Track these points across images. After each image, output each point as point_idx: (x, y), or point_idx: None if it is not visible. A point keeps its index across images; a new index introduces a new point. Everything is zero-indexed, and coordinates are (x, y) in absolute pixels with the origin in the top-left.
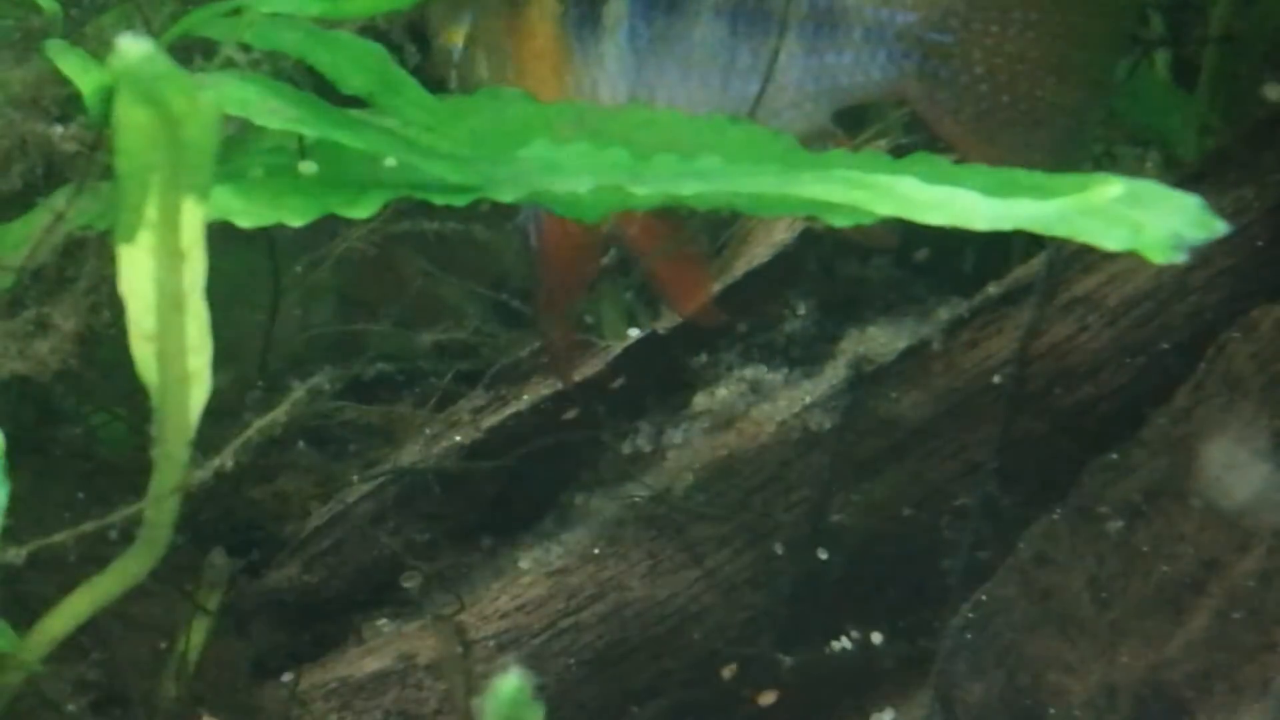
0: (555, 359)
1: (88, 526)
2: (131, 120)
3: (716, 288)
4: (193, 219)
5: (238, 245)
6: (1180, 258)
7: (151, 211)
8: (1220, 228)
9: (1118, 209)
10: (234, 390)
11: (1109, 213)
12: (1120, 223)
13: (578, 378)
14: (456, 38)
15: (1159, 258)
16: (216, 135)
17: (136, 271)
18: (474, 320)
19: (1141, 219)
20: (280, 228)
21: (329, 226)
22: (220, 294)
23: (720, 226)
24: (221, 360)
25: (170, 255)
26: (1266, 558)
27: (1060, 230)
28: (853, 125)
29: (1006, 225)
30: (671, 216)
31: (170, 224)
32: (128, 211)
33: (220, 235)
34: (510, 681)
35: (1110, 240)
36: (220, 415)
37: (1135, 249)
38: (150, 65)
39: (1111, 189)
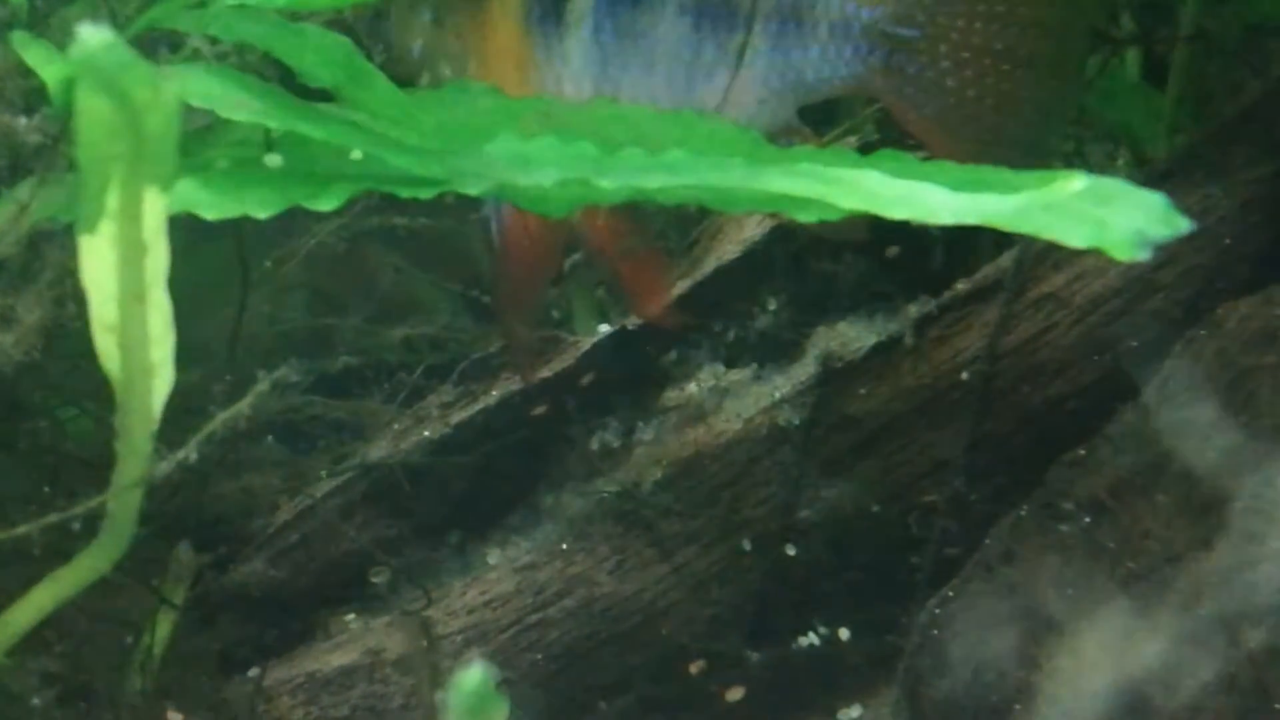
0: (516, 355)
1: (51, 518)
2: (92, 110)
3: (686, 284)
4: (155, 210)
5: (208, 240)
6: (1144, 255)
7: (113, 202)
8: (1184, 225)
9: (1082, 205)
10: (203, 386)
11: (1073, 209)
12: (1084, 219)
13: (547, 373)
14: (417, 34)
15: (1123, 255)
16: (178, 126)
17: (98, 262)
18: (444, 316)
19: (1105, 216)
20: (252, 224)
21: (301, 222)
22: (190, 290)
23: (691, 223)
24: (191, 356)
25: (132, 246)
26: (1231, 553)
27: (1024, 226)
28: (823, 122)
29: (970, 220)
30: (633, 216)
31: (132, 215)
32: (89, 202)
33: (190, 230)
34: (474, 675)
35: (1074, 237)
36: (189, 412)
37: (1099, 246)
38: (111, 55)
39: (1074, 184)
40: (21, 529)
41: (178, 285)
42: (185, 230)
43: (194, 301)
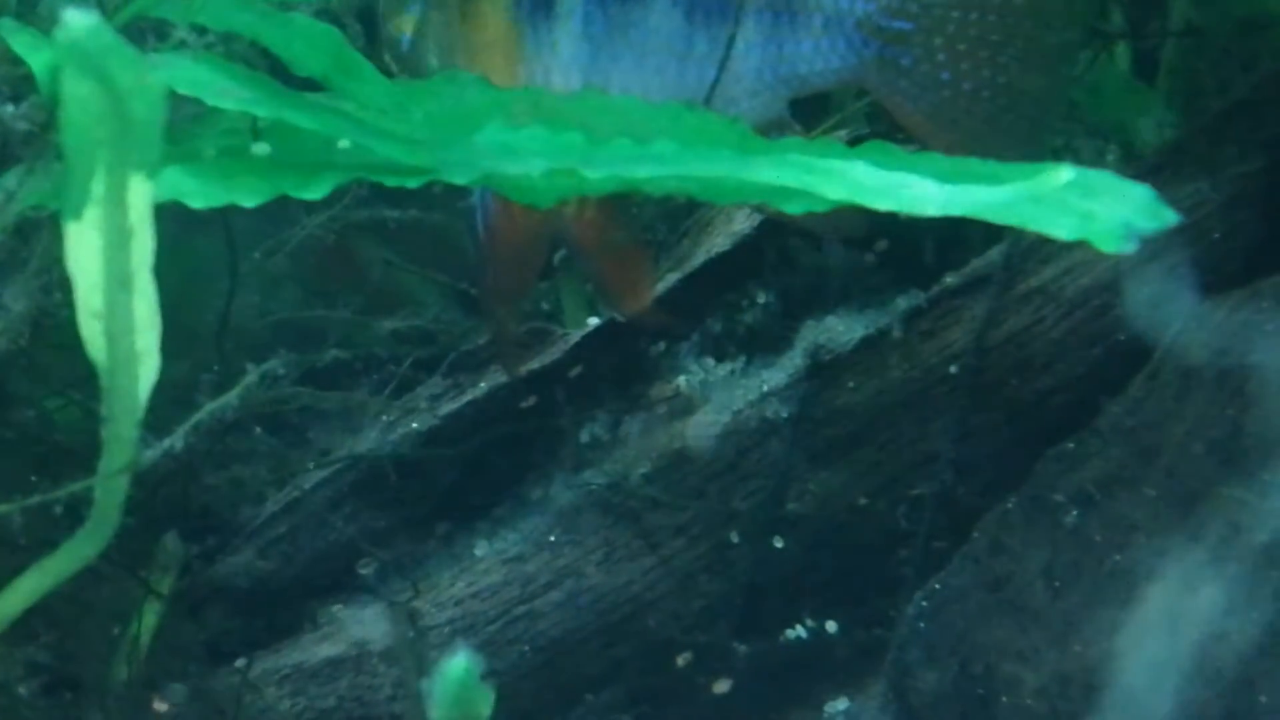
0: (502, 349)
1: (33, 500)
2: (77, 95)
3: (675, 277)
4: (140, 196)
5: (197, 232)
6: (1131, 248)
7: (98, 188)
8: (1171, 218)
9: (1069, 198)
10: (191, 377)
11: (1059, 201)
12: (1070, 211)
13: (536, 365)
14: (405, 26)
15: (1109, 247)
16: (164, 111)
17: (83, 249)
18: (433, 308)
19: (1092, 208)
20: (242, 216)
21: (291, 214)
22: (179, 281)
23: (680, 216)
24: (180, 348)
25: (117, 232)
26: (1218, 546)
27: (1011, 218)
28: (814, 115)
29: (956, 211)
30: (619, 213)
31: (117, 201)
32: (74, 188)
33: (179, 221)
34: (459, 665)
35: (1060, 229)
36: (179, 404)
37: (1085, 238)
38: (96, 39)
39: (1061, 176)
40: (3, 508)
41: (166, 276)
42: (174, 221)
43: (183, 292)
